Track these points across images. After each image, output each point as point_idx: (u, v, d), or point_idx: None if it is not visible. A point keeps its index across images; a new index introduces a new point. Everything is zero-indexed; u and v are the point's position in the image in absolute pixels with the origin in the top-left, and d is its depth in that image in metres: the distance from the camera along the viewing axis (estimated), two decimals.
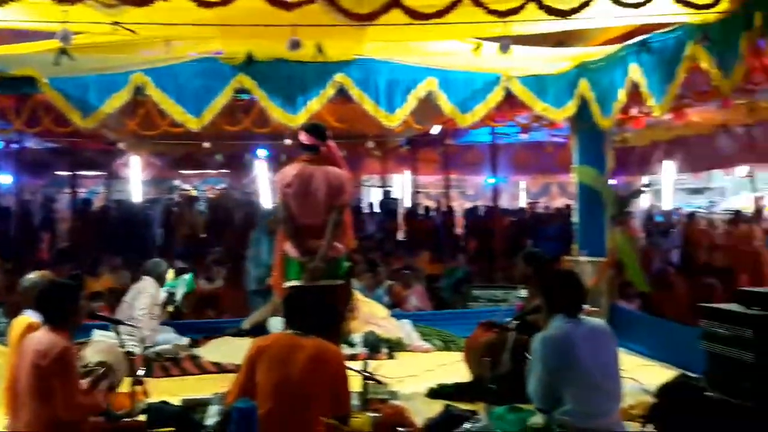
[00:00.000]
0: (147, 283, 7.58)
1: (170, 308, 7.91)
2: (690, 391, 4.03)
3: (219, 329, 8.27)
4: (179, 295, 7.91)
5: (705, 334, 3.41)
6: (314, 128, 5.91)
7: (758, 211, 13.53)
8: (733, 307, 3.34)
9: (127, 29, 5.97)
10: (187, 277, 8.18)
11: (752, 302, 3.23)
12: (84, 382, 4.58)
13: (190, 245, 13.61)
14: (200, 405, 5.18)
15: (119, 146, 13.79)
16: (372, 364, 5.46)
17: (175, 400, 5.41)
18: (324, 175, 5.64)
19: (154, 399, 5.29)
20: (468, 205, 18.76)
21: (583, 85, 7.96)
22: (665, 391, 4.74)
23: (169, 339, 7.47)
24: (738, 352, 3.19)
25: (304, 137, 5.80)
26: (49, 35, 6.17)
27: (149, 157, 16.44)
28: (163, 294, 7.66)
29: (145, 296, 7.42)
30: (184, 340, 7.50)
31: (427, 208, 16.80)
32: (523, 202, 21.35)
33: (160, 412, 5.03)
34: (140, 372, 5.15)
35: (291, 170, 5.77)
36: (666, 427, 4.44)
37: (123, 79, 7.48)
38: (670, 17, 6.05)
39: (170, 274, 7.98)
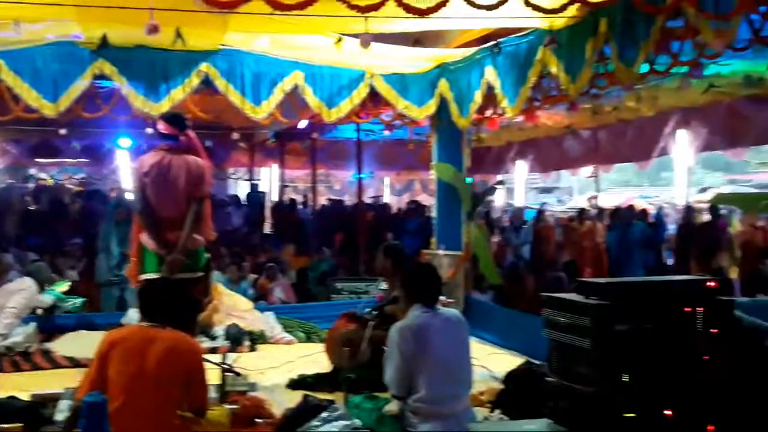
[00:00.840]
0: (27, 282, 7.15)
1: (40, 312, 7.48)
2: (533, 378, 4.18)
3: (73, 322, 7.86)
4: (59, 311, 7.51)
5: (547, 322, 3.52)
6: (173, 117, 5.72)
7: (581, 211, 14.30)
8: (573, 296, 3.47)
9: None
10: (78, 301, 7.79)
11: (591, 292, 3.36)
12: None
13: (45, 237, 12.86)
14: (50, 400, 4.89)
15: None
16: (234, 357, 5.34)
17: (24, 395, 5.09)
18: (183, 164, 5.46)
19: (1, 394, 4.96)
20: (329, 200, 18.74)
21: (443, 85, 8.12)
22: (511, 378, 4.94)
23: (18, 332, 6.99)
24: (577, 339, 3.31)
25: (162, 126, 5.60)
26: None
27: (3, 143, 15.42)
28: (46, 298, 7.29)
29: (21, 295, 6.97)
30: (31, 328, 7.04)
31: (293, 201, 16.65)
32: (387, 197, 21.61)
33: (8, 407, 4.72)
34: None
35: (149, 159, 5.56)
36: (511, 411, 4.62)
37: None
38: (521, 21, 6.25)
39: (63, 286, 7.52)
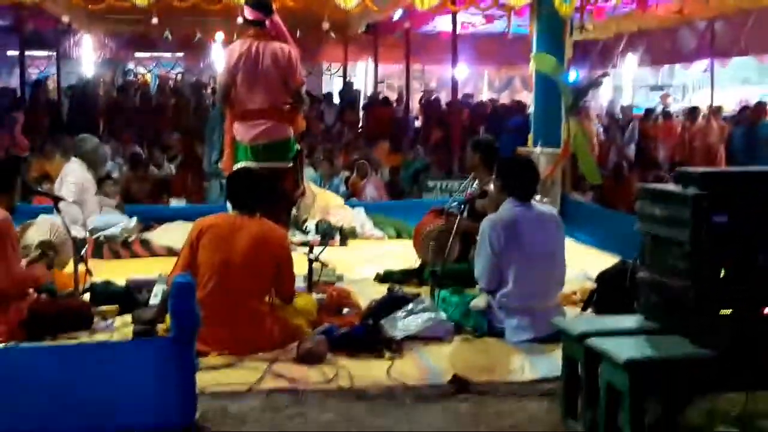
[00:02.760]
0: (73, 165, 7.16)
1: (111, 188, 7.64)
2: (626, 276, 4.11)
3: (172, 214, 8.20)
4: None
5: (641, 214, 3.42)
6: (258, 2, 5.67)
7: (693, 109, 13.64)
8: (670, 186, 3.34)
9: None
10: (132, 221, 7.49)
11: (689, 181, 3.23)
12: (25, 260, 4.55)
13: (144, 129, 13.34)
14: (144, 284, 5.16)
15: (69, 24, 13.21)
16: (320, 250, 5.47)
17: (121, 281, 5.38)
18: (272, 51, 5.45)
19: (99, 280, 5.27)
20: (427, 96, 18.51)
21: None
22: (603, 277, 4.88)
23: (112, 221, 7.29)
24: (672, 231, 3.20)
25: (248, 12, 5.58)
26: None
27: (101, 36, 15.86)
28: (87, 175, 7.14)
29: (69, 181, 6.96)
30: (133, 222, 7.37)
31: (386, 98, 16.57)
32: (485, 94, 21.21)
33: (104, 291, 5.02)
34: (83, 252, 5.09)
35: (237, 48, 5.56)
36: (603, 310, 4.59)
37: None
38: None
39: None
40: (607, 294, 4.66)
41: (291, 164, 5.68)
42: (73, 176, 7.05)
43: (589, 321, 4.12)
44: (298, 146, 5.82)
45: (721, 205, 3.11)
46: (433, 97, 17.26)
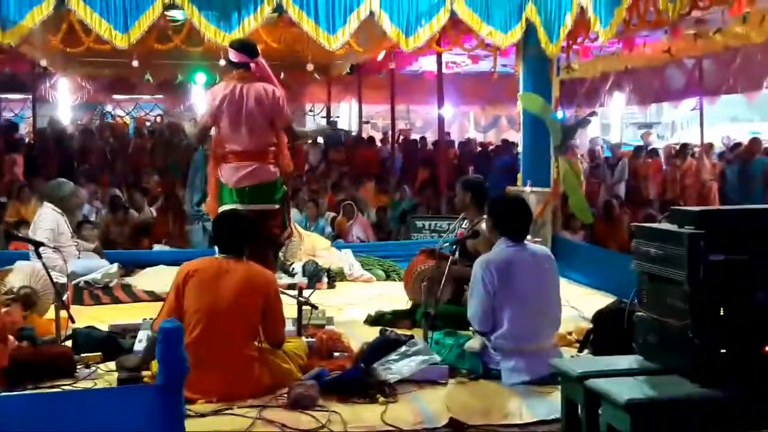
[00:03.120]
0: (46, 210, 7.13)
1: (89, 231, 7.65)
2: (622, 316, 4.15)
3: (152, 258, 8.21)
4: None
5: (637, 253, 3.47)
6: (243, 45, 5.76)
7: (683, 146, 13.89)
8: (666, 225, 3.41)
9: None
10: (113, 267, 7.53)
11: (684, 220, 3.30)
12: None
13: (123, 172, 13.37)
14: (128, 330, 5.16)
15: (46, 67, 13.30)
16: (310, 293, 5.47)
17: (104, 326, 5.38)
18: (256, 93, 5.50)
19: (81, 325, 5.25)
20: (414, 136, 18.72)
21: (530, 9, 7.94)
22: (599, 317, 4.92)
23: (91, 266, 7.28)
24: (669, 270, 3.26)
25: (233, 55, 5.64)
26: None
27: (79, 79, 15.95)
28: (61, 220, 7.11)
29: (42, 227, 6.92)
30: (114, 268, 7.36)
31: (371, 138, 16.73)
32: (471, 133, 21.43)
33: (87, 337, 5.00)
34: (65, 298, 5.07)
35: (220, 90, 5.61)
36: (601, 350, 4.61)
37: None
38: None
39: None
40: (604, 334, 4.70)
41: (278, 206, 5.71)
42: (46, 222, 7.03)
43: (588, 362, 4.15)
44: (284, 188, 5.86)
45: (718, 243, 3.17)
46: (410, 137, 17.42)
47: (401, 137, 17.52)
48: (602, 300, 6.39)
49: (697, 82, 13.64)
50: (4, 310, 4.57)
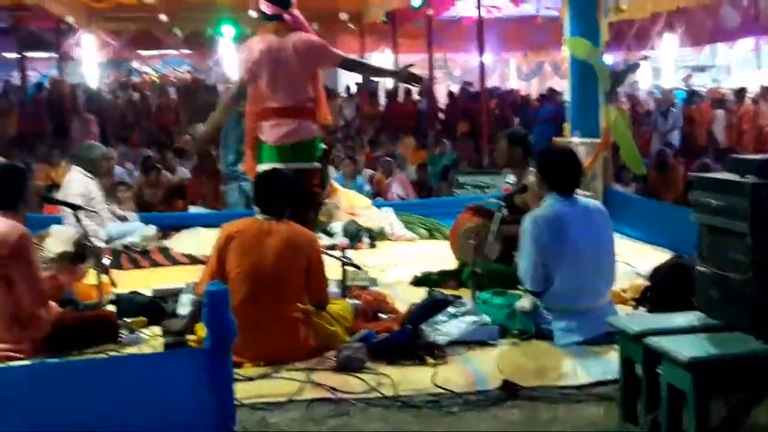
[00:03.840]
0: (74, 174, 7.29)
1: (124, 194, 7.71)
2: (681, 272, 4.16)
3: (189, 220, 8.35)
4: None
5: (696, 205, 3.46)
6: None
7: (740, 90, 13.61)
8: (727, 175, 3.39)
9: None
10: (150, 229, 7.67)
11: (747, 170, 3.28)
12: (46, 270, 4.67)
13: (156, 133, 13.51)
14: (171, 294, 5.29)
15: (70, 23, 13.43)
16: (352, 254, 5.55)
17: (146, 291, 5.51)
18: (294, 44, 5.51)
19: (122, 290, 5.39)
20: (453, 87, 18.60)
21: None
22: (657, 273, 4.92)
23: (128, 230, 7.42)
24: (731, 222, 3.25)
25: (265, 7, 5.62)
26: None
27: (104, 35, 16.06)
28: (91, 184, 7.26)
29: (72, 192, 7.02)
30: (152, 230, 7.50)
31: (408, 90, 16.66)
32: (513, 82, 21.23)
33: (130, 301, 5.14)
34: (106, 262, 5.20)
35: (257, 44, 5.62)
36: (658, 308, 4.63)
37: None
38: None
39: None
40: (662, 290, 4.70)
41: (318, 165, 5.75)
42: (76, 185, 7.19)
43: (646, 319, 4.16)
44: (323, 146, 5.89)
45: None
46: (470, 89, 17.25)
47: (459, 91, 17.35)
48: (657, 255, 6.39)
49: (754, 20, 13.34)
50: (48, 273, 4.69)
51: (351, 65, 5.96)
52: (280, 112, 5.57)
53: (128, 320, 4.88)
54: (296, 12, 5.71)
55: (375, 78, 5.37)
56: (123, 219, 7.72)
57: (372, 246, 7.74)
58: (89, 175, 7.30)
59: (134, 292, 5.37)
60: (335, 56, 5.71)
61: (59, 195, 7.21)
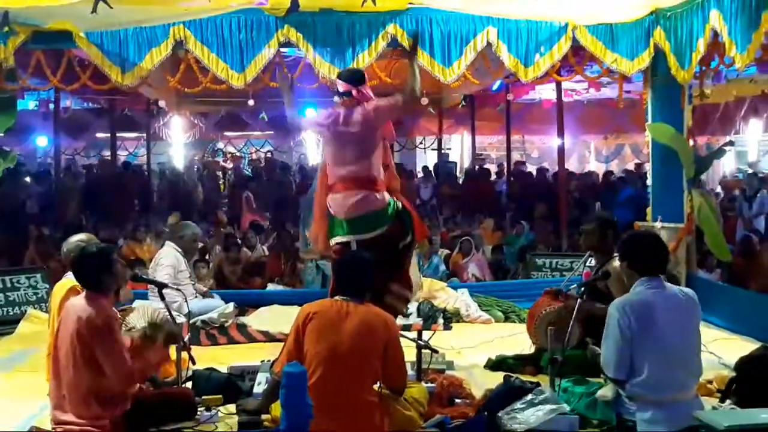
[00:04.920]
0: (165, 250, 7.56)
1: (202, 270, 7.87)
2: None
3: (266, 297, 8.46)
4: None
5: None
6: (349, 73, 6.02)
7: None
8: None
9: None
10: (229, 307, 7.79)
11: None
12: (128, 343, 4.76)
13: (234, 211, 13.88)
14: (247, 372, 5.33)
15: (160, 106, 14.03)
16: (427, 335, 5.52)
17: (222, 368, 5.57)
18: (357, 114, 5.71)
19: (200, 366, 5.45)
20: (531, 168, 18.60)
21: (659, 34, 7.82)
22: (744, 364, 4.74)
23: (209, 306, 7.56)
24: None
25: (339, 85, 5.88)
26: None
27: (192, 117, 16.69)
28: (181, 260, 7.47)
29: (162, 266, 7.33)
30: (230, 308, 7.64)
31: (486, 171, 16.72)
32: (592, 164, 21.10)
33: (207, 379, 5.20)
34: (186, 339, 5.29)
35: (325, 113, 5.94)
36: (745, 401, 4.44)
37: (163, 32, 7.66)
38: None
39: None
40: (749, 383, 4.53)
41: (386, 228, 5.76)
42: (167, 259, 7.43)
43: (734, 414, 4.01)
44: (399, 204, 5.90)
45: None
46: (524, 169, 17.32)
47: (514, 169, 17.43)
48: (743, 345, 6.19)
49: None
50: (136, 354, 4.75)
51: (409, 101, 6.04)
52: (347, 183, 5.70)
53: (205, 398, 4.92)
54: (365, 89, 5.89)
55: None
56: (206, 295, 7.86)
57: (447, 328, 7.66)
58: (180, 251, 7.54)
59: (211, 369, 5.43)
60: (393, 107, 5.85)
61: (150, 268, 7.45)
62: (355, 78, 5.90)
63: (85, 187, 14.90)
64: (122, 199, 14.25)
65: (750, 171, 15.74)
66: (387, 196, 5.81)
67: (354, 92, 5.79)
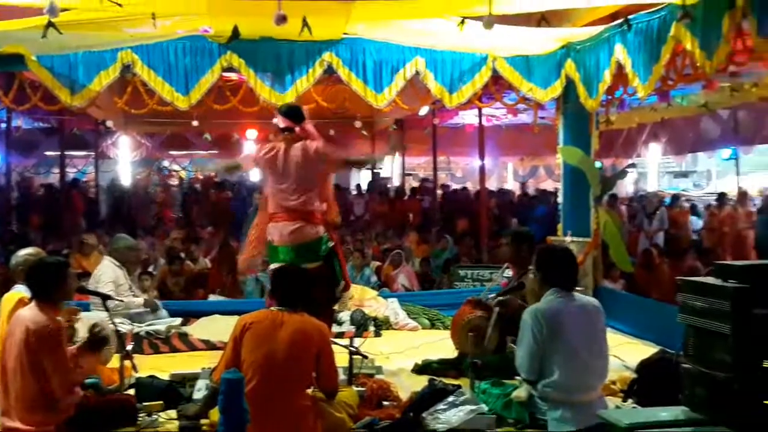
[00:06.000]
0: (104, 264, 7.39)
1: (146, 282, 7.78)
2: (667, 366, 4.10)
3: (209, 308, 8.32)
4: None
5: (683, 307, 3.46)
6: (289, 110, 5.89)
7: (743, 194, 13.69)
8: (711, 280, 3.39)
9: (114, 2, 5.90)
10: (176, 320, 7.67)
11: (729, 275, 3.28)
12: (73, 349, 4.64)
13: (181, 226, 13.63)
14: (188, 379, 5.22)
15: (108, 126, 13.76)
16: (359, 342, 5.50)
17: (164, 375, 5.45)
18: (299, 150, 5.65)
19: (142, 374, 5.32)
20: (454, 186, 18.79)
21: (569, 66, 7.99)
22: (644, 367, 4.85)
23: (153, 319, 7.43)
24: (714, 324, 3.24)
25: (280, 120, 5.79)
26: (36, 12, 6.14)
27: (138, 137, 16.39)
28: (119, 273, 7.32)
29: (103, 280, 7.15)
30: (177, 321, 7.50)
31: (414, 189, 16.83)
32: (510, 183, 21.41)
33: (149, 386, 5.07)
34: (129, 348, 5.16)
35: (266, 146, 5.81)
36: (646, 400, 4.55)
37: (111, 56, 7.52)
38: None
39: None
40: (649, 384, 4.63)
41: (320, 262, 5.74)
42: (107, 275, 7.25)
43: (635, 413, 4.09)
44: (331, 243, 5.90)
45: (762, 297, 3.15)
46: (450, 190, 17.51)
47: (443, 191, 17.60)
48: (644, 349, 6.32)
49: (733, 131, 13.55)
50: (73, 361, 4.64)
51: (344, 164, 6.16)
52: (286, 215, 5.65)
53: (147, 404, 4.80)
54: (308, 125, 5.85)
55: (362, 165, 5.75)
56: (147, 304, 7.67)
57: (377, 334, 7.66)
58: (118, 264, 7.35)
59: (153, 377, 5.31)
60: (334, 159, 5.84)
61: (90, 282, 7.25)
62: (297, 115, 5.82)
63: (35, 202, 14.48)
64: (70, 214, 13.88)
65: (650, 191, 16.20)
66: (322, 230, 5.78)
67: (297, 129, 5.75)
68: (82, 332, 5.12)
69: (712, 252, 11.18)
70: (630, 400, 4.81)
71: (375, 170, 14.86)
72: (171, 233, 12.33)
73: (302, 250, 5.66)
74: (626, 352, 6.35)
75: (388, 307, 8.36)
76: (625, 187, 17.65)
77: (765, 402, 3.14)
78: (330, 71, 7.87)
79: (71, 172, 17.44)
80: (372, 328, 7.71)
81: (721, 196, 13.90)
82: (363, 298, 8.49)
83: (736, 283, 3.21)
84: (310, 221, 5.69)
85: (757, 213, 12.84)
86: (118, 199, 14.83)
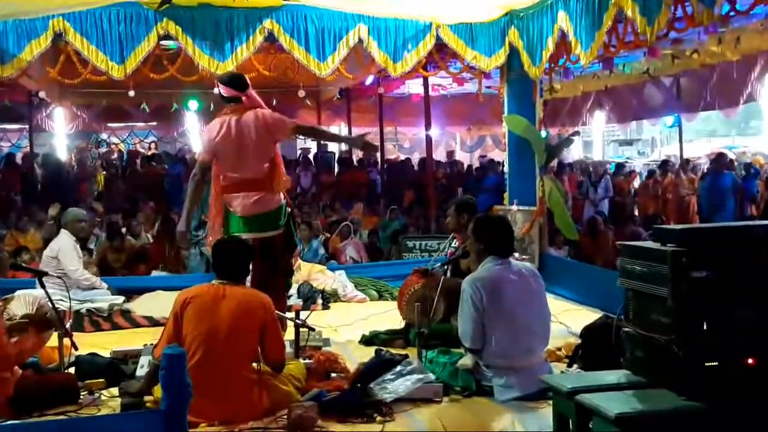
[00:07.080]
0: (62, 238, 7.33)
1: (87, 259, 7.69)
2: (610, 331, 4.19)
3: (151, 284, 8.21)
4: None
5: (623, 271, 3.54)
6: (232, 79, 5.73)
7: (664, 162, 14.03)
8: (650, 243, 3.47)
9: None
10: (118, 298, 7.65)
11: (667, 239, 3.36)
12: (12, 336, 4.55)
13: (123, 200, 13.37)
14: (130, 356, 5.16)
15: (41, 97, 13.36)
16: (306, 315, 5.51)
17: (105, 353, 5.38)
18: (250, 121, 5.54)
19: (83, 352, 5.25)
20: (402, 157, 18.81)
21: (513, 33, 8.04)
22: (587, 332, 4.96)
23: (94, 296, 7.33)
24: (654, 287, 3.32)
25: (223, 90, 5.64)
26: None
27: (74, 108, 15.97)
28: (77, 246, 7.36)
29: (67, 254, 7.16)
30: (119, 299, 7.40)
31: (360, 161, 16.80)
32: (458, 153, 21.50)
33: (90, 364, 5.01)
34: (67, 325, 5.07)
35: (216, 126, 5.63)
36: (590, 365, 4.65)
37: (42, 24, 7.32)
38: None
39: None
40: (593, 349, 4.74)
41: (283, 230, 5.72)
42: (70, 249, 7.22)
43: (578, 377, 4.18)
44: (288, 209, 5.87)
45: (700, 260, 3.24)
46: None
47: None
48: (588, 315, 6.44)
49: (676, 99, 13.81)
50: (14, 339, 4.56)
51: (308, 132, 6.11)
52: (246, 185, 5.58)
53: (88, 382, 4.74)
54: (252, 93, 5.75)
55: (332, 143, 5.61)
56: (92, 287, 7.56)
57: (325, 307, 7.68)
58: (73, 237, 7.33)
59: (94, 354, 5.23)
60: (290, 126, 5.74)
61: (47, 257, 7.18)
62: (241, 83, 5.65)
63: None
64: (4, 189, 13.50)
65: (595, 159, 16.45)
66: (282, 198, 5.74)
67: (244, 99, 5.63)
68: (17, 310, 5.00)
69: (655, 218, 11.44)
70: (575, 366, 4.91)
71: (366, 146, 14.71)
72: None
73: (266, 219, 5.62)
74: (571, 318, 6.48)
75: (336, 280, 8.37)
76: (571, 154, 17.89)
77: (705, 364, 3.24)
78: (271, 39, 7.78)
79: (5, 146, 16.95)
80: (320, 301, 7.71)
81: (664, 164, 14.20)
82: (311, 272, 8.47)
83: (674, 246, 3.28)
84: (271, 190, 5.65)
85: (699, 179, 13.15)
86: (54, 173, 14.44)
